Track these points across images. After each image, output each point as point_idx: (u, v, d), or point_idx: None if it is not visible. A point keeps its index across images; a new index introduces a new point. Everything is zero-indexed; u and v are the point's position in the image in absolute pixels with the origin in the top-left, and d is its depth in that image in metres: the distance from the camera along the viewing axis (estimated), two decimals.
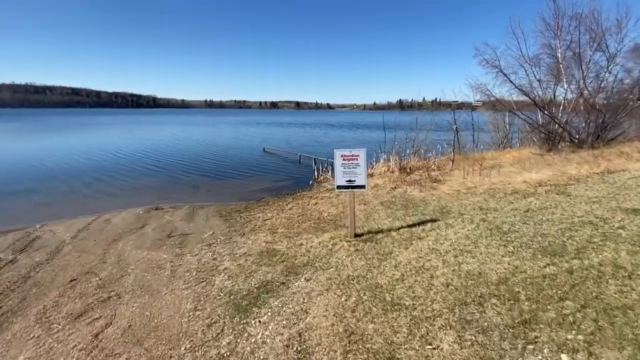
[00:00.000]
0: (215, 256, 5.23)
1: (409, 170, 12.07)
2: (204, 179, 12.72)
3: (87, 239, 6.45)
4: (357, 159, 4.88)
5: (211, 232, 6.57)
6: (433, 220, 5.65)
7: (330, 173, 12.39)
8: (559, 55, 14.84)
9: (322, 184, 11.27)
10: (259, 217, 7.48)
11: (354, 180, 4.94)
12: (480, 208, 5.88)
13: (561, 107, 15.64)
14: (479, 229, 4.87)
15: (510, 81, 14.78)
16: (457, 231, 4.91)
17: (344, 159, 4.91)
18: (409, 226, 5.53)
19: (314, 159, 14.65)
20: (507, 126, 19.43)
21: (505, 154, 16.91)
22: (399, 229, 5.44)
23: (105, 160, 17.60)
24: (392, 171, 11.89)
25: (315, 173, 12.70)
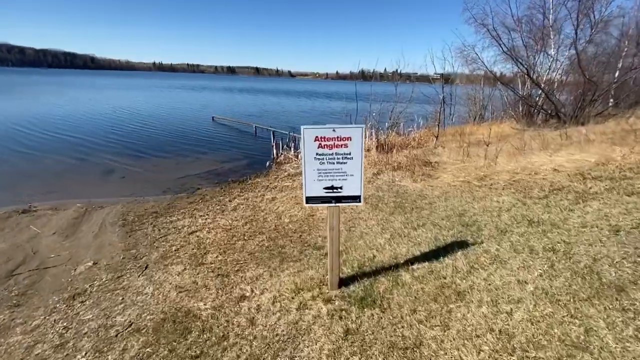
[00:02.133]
0: (65, 337, 2.65)
1: (387, 148, 9.94)
2: (124, 159, 9.53)
3: None
4: (346, 145, 2.46)
5: (91, 263, 3.89)
6: (461, 244, 3.52)
7: (293, 151, 9.85)
8: (551, 16, 13.18)
9: (282, 166, 8.75)
10: (183, 226, 4.88)
11: (340, 188, 2.55)
12: (528, 219, 3.84)
13: (545, 77, 14.30)
14: (558, 272, 2.79)
15: (499, 43, 12.91)
16: (519, 276, 2.80)
17: (321, 146, 2.45)
18: (425, 257, 3.34)
19: (272, 131, 11.94)
20: (484, 99, 17.99)
21: (483, 128, 15.34)
22: (409, 262, 3.23)
23: None
24: (369, 149, 9.67)
25: (274, 151, 10.09)
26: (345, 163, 2.49)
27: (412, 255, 3.38)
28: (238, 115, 20.77)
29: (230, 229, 4.71)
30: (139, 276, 3.55)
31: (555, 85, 14.45)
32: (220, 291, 3.16)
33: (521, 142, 8.43)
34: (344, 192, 2.56)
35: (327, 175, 2.52)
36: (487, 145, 6.89)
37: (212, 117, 18.41)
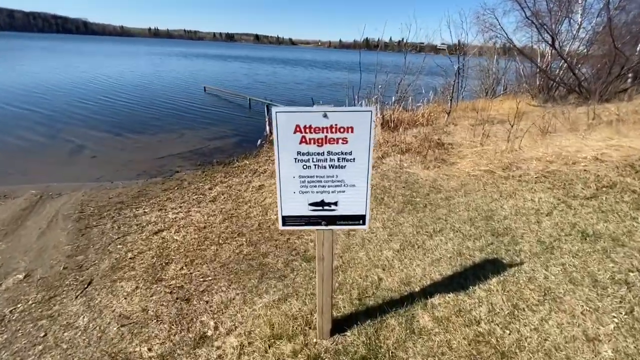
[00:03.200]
0: None
1: (394, 126, 8.93)
2: (99, 134, 8.54)
3: None
4: (345, 140, 1.54)
5: (23, 276, 3.09)
6: (493, 264, 2.69)
7: None
8: None
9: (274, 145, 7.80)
10: (149, 222, 4.05)
11: (335, 204, 1.66)
12: (579, 231, 2.98)
13: (568, 48, 12.93)
14: None
15: (522, 7, 11.44)
16: (585, 326, 1.99)
17: (305, 140, 1.53)
18: (447, 283, 2.52)
19: (267, 105, 10.84)
20: (497, 72, 16.56)
21: (496, 104, 14.13)
22: (427, 291, 2.42)
23: None
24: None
25: (267, 127, 9.09)
26: (342, 167, 1.59)
27: (430, 279, 2.56)
28: (232, 86, 19.41)
29: (205, 227, 3.88)
30: (76, 297, 2.76)
31: (576, 58, 13.12)
32: (175, 326, 2.38)
33: (543, 121, 7.42)
34: (340, 210, 1.68)
35: (315, 186, 1.63)
36: (512, 126, 5.90)
37: (204, 88, 17.10)
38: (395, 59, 12.23)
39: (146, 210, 4.41)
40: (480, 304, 2.21)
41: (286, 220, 1.70)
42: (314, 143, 1.54)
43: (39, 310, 2.65)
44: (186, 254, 3.32)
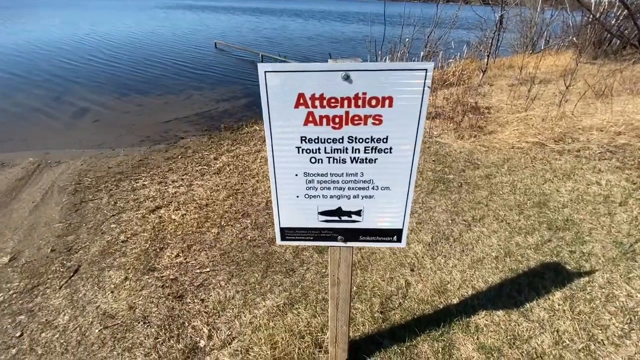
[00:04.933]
0: None
1: None
2: (103, 97, 8.08)
3: None
4: (379, 118, 0.94)
5: (8, 259, 2.81)
6: (555, 273, 2.15)
7: None
8: None
9: None
10: (147, 197, 3.68)
11: (357, 213, 1.11)
12: None
13: None
14: None
15: None
16: None
17: (313, 118, 0.95)
18: (495, 295, 2.03)
19: (282, 61, 9.95)
20: (542, 23, 14.51)
21: (537, 60, 12.53)
22: (468, 304, 1.94)
23: None
24: None
25: None
26: (372, 161, 1.02)
27: (472, 287, 2.05)
28: (244, 40, 18.20)
29: (207, 204, 3.47)
30: (60, 288, 2.46)
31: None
32: (163, 331, 2.03)
33: (599, 82, 6.32)
34: (366, 222, 1.14)
35: (329, 187, 1.08)
36: (567, 87, 4.96)
37: (215, 43, 16.05)
38: (423, 10, 10.80)
39: (145, 183, 4.03)
40: (542, 329, 1.71)
41: (286, 233, 1.18)
42: (328, 123, 0.96)
43: (20, 302, 2.36)
44: (184, 238, 2.94)
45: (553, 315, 1.79)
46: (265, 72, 0.90)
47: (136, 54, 13.64)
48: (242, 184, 3.89)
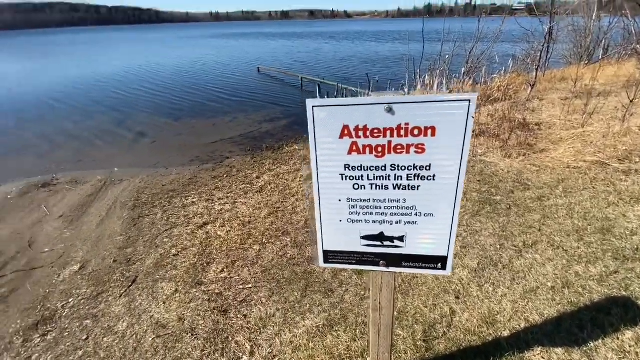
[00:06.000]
0: None
1: None
2: (160, 119, 8.91)
3: None
4: (422, 147, 0.97)
5: (78, 267, 3.15)
6: (626, 310, 1.95)
7: None
8: None
9: None
10: (195, 213, 3.93)
11: (400, 239, 1.12)
12: None
13: None
14: None
15: None
16: None
17: (356, 147, 1.00)
18: (555, 336, 1.86)
19: (319, 84, 10.29)
20: (599, 31, 13.48)
21: (595, 70, 11.66)
22: (521, 348, 1.79)
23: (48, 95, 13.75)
24: None
25: None
26: (414, 188, 1.04)
27: (525, 320, 1.91)
28: (282, 64, 19.11)
29: (249, 222, 3.63)
30: (120, 296, 2.69)
31: None
32: (209, 344, 2.13)
33: None
34: (409, 248, 1.14)
35: (371, 213, 1.11)
36: (632, 100, 4.54)
37: (258, 68, 17.07)
38: (464, 26, 10.63)
39: (194, 200, 4.32)
40: None
41: (329, 256, 1.22)
42: (371, 152, 1.01)
43: (87, 307, 2.62)
44: (228, 254, 3.09)
45: (623, 358, 1.60)
46: (313, 106, 0.98)
47: (187, 81, 14.91)
48: (282, 202, 4.02)
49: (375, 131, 0.98)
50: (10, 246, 3.59)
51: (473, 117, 0.93)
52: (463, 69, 8.41)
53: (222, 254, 3.09)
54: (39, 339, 2.37)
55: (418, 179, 1.03)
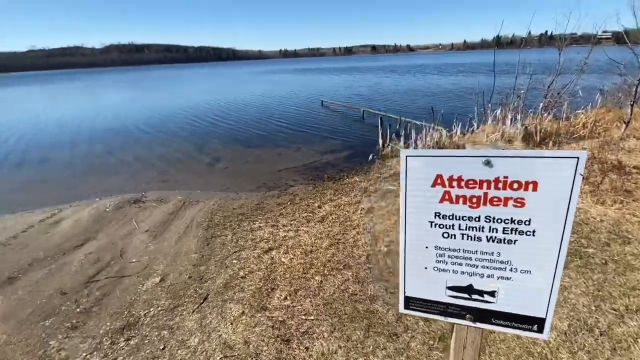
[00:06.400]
0: None
1: (539, 138, 7.22)
2: (232, 147, 9.79)
3: None
4: (521, 201, 0.94)
5: (159, 279, 3.50)
6: None
7: (402, 141, 8.18)
8: None
9: (387, 161, 7.28)
10: (262, 238, 4.14)
11: (491, 294, 1.07)
12: None
13: None
14: None
15: None
16: None
17: (449, 197, 1.01)
18: None
19: (381, 117, 10.41)
20: None
21: None
22: None
23: (138, 123, 16.08)
24: (510, 140, 7.18)
25: (380, 140, 8.64)
26: (511, 242, 1.00)
27: None
28: (341, 97, 19.83)
29: (311, 251, 3.70)
30: (193, 312, 2.91)
31: None
32: None
33: None
34: (500, 305, 1.08)
35: (460, 263, 1.08)
36: None
37: (322, 102, 17.97)
38: (540, 57, 10.03)
39: (261, 225, 4.57)
40: None
41: (410, 303, 1.20)
42: (465, 202, 1.00)
43: (164, 318, 2.88)
44: (291, 281, 3.17)
45: None
46: (406, 156, 1.03)
47: (255, 112, 16.25)
48: (343, 234, 4.04)
49: (471, 182, 0.98)
50: (106, 254, 4.15)
51: (582, 175, 0.88)
52: (541, 104, 7.83)
53: (286, 281, 3.18)
54: (124, 343, 2.65)
55: (515, 233, 0.99)
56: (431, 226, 1.08)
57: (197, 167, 8.09)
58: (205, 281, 3.37)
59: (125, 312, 3.02)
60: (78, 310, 3.10)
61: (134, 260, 3.97)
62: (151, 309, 3.02)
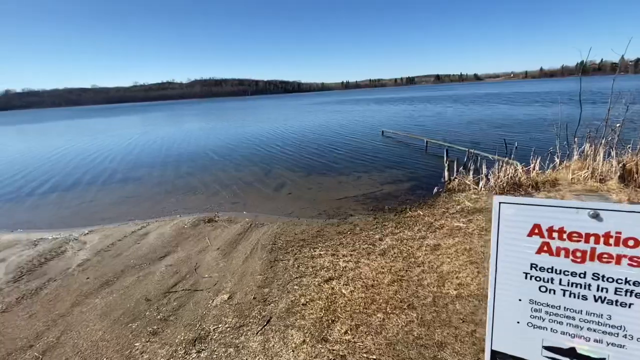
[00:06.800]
0: None
1: (637, 178, 6.24)
2: (296, 174, 10.26)
3: (92, 269, 4.72)
4: (635, 257, 0.83)
5: (227, 297, 3.73)
6: None
7: (471, 175, 7.73)
8: None
9: (454, 195, 6.90)
10: (322, 266, 4.18)
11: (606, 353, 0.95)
12: None
13: None
14: None
15: None
16: None
17: (547, 248, 0.96)
18: None
19: (447, 148, 10.03)
20: None
21: None
22: None
23: (214, 148, 17.78)
24: (603, 179, 6.32)
25: (446, 173, 8.28)
26: (625, 305, 0.89)
27: None
28: (402, 127, 19.60)
29: (372, 285, 3.62)
30: (257, 333, 3.02)
31: None
32: None
33: None
34: None
35: (560, 322, 0.99)
36: None
37: (382, 132, 18.02)
38: (638, 84, 8.81)
39: (321, 253, 4.63)
40: None
41: (498, 357, 1.12)
42: (567, 256, 0.94)
43: (230, 336, 3.03)
44: (352, 315, 3.12)
45: None
46: (499, 202, 1.01)
47: (317, 141, 16.88)
48: (406, 270, 3.89)
49: (574, 235, 0.92)
50: (183, 267, 4.57)
51: None
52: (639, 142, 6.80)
53: (346, 314, 3.14)
54: (195, 355, 2.84)
55: (631, 296, 0.89)
56: (526, 277, 1.02)
57: (264, 190, 8.63)
58: (269, 304, 3.50)
59: (197, 325, 3.26)
60: (159, 317, 3.44)
61: (206, 275, 4.31)
62: (219, 325, 3.22)
